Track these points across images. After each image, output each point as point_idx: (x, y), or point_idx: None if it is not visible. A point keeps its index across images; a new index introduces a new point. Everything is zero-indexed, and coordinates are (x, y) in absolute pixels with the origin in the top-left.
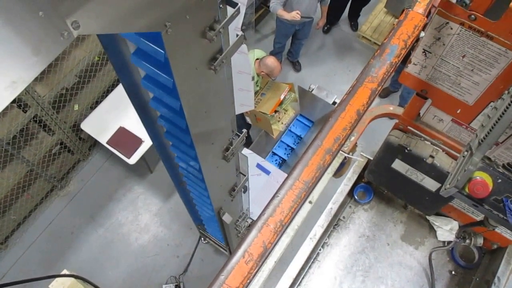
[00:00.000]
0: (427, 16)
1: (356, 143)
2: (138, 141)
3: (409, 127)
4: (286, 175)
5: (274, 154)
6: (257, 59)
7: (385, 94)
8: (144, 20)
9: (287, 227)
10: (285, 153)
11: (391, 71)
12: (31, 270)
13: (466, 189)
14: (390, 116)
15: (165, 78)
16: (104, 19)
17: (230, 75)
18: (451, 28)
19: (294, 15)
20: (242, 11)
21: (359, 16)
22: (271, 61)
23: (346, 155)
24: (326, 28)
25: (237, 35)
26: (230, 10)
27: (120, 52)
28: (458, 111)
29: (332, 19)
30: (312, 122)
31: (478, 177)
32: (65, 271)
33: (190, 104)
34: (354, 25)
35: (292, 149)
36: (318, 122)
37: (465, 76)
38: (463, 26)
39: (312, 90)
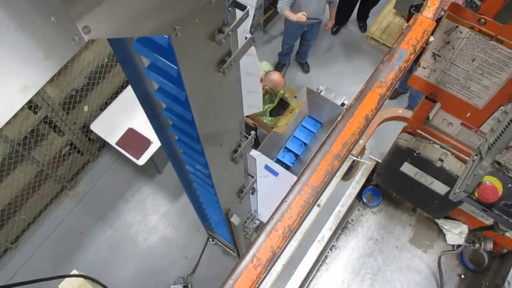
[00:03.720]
0: (437, 20)
1: (364, 146)
2: (147, 142)
3: (418, 131)
4: (294, 177)
5: (279, 160)
6: (264, 71)
7: (394, 95)
8: (153, 24)
9: (295, 232)
10: (291, 161)
11: (400, 76)
12: (41, 270)
13: (476, 194)
14: (399, 119)
15: (178, 91)
16: (114, 23)
17: (238, 77)
18: (461, 32)
19: (300, 16)
20: (251, 13)
21: (367, 17)
22: (276, 76)
23: (354, 158)
24: (334, 29)
25: (246, 38)
26: (239, 13)
27: (135, 65)
28: (467, 115)
29: (340, 20)
30: (320, 124)
31: (487, 182)
32: (74, 271)
33: (199, 107)
34: (363, 26)
35: (297, 155)
36: (326, 124)
37: (475, 79)
38: (473, 30)
39: (321, 91)
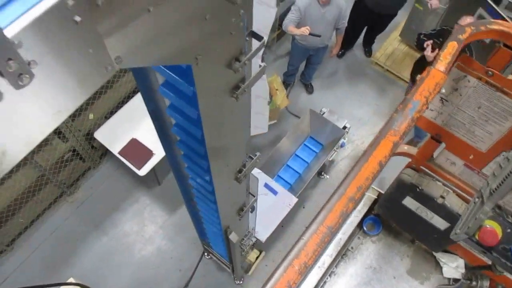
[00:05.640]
0: (460, 52)
1: None
2: (149, 154)
3: (421, 167)
4: (293, 196)
5: (280, 177)
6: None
7: None
8: (178, 54)
9: (311, 269)
10: (292, 179)
11: (412, 125)
12: (34, 274)
13: (476, 236)
14: (405, 155)
15: (191, 110)
16: (144, 55)
17: (249, 101)
18: (469, 81)
19: (303, 30)
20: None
21: (373, 43)
22: None
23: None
24: (340, 52)
25: (260, 66)
26: (255, 42)
27: (149, 80)
28: (470, 157)
29: (347, 44)
30: (321, 145)
31: (488, 226)
32: (71, 280)
33: (210, 130)
34: (368, 51)
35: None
36: (327, 145)
37: (480, 125)
38: (480, 80)
39: (324, 113)
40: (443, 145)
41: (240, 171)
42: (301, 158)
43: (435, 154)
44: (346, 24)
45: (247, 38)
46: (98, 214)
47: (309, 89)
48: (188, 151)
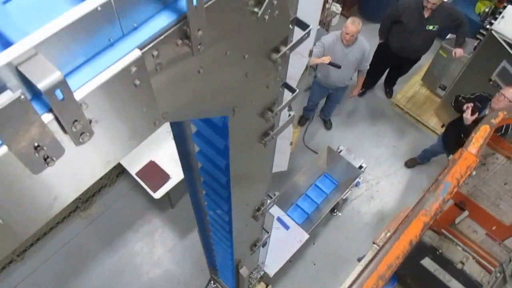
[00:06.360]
0: (497, 130)
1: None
2: (166, 177)
3: (443, 230)
4: (304, 232)
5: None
6: None
7: (412, 164)
8: (218, 108)
9: None
10: (300, 218)
11: (443, 206)
12: (42, 286)
13: None
14: None
15: (221, 161)
16: (189, 110)
17: (274, 145)
18: (497, 159)
19: (324, 59)
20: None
21: (395, 84)
22: None
23: (378, 247)
24: (361, 91)
25: (289, 115)
26: (287, 92)
27: (185, 134)
28: (493, 228)
29: (368, 84)
30: (336, 183)
31: None
32: None
33: (236, 172)
34: (389, 92)
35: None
36: (342, 184)
37: (505, 200)
38: (509, 159)
39: (340, 151)
40: (466, 212)
41: (258, 209)
42: (315, 194)
43: (457, 220)
44: (368, 67)
45: (281, 89)
46: (109, 232)
47: (327, 125)
48: (211, 191)
